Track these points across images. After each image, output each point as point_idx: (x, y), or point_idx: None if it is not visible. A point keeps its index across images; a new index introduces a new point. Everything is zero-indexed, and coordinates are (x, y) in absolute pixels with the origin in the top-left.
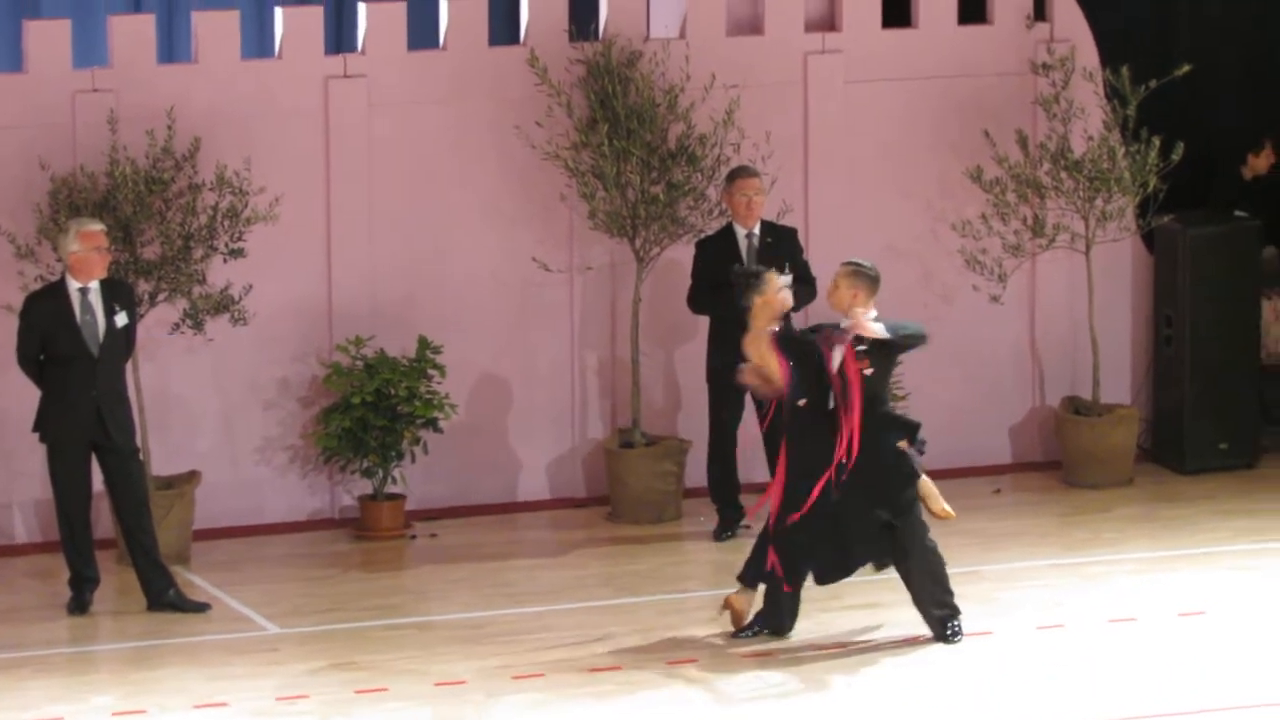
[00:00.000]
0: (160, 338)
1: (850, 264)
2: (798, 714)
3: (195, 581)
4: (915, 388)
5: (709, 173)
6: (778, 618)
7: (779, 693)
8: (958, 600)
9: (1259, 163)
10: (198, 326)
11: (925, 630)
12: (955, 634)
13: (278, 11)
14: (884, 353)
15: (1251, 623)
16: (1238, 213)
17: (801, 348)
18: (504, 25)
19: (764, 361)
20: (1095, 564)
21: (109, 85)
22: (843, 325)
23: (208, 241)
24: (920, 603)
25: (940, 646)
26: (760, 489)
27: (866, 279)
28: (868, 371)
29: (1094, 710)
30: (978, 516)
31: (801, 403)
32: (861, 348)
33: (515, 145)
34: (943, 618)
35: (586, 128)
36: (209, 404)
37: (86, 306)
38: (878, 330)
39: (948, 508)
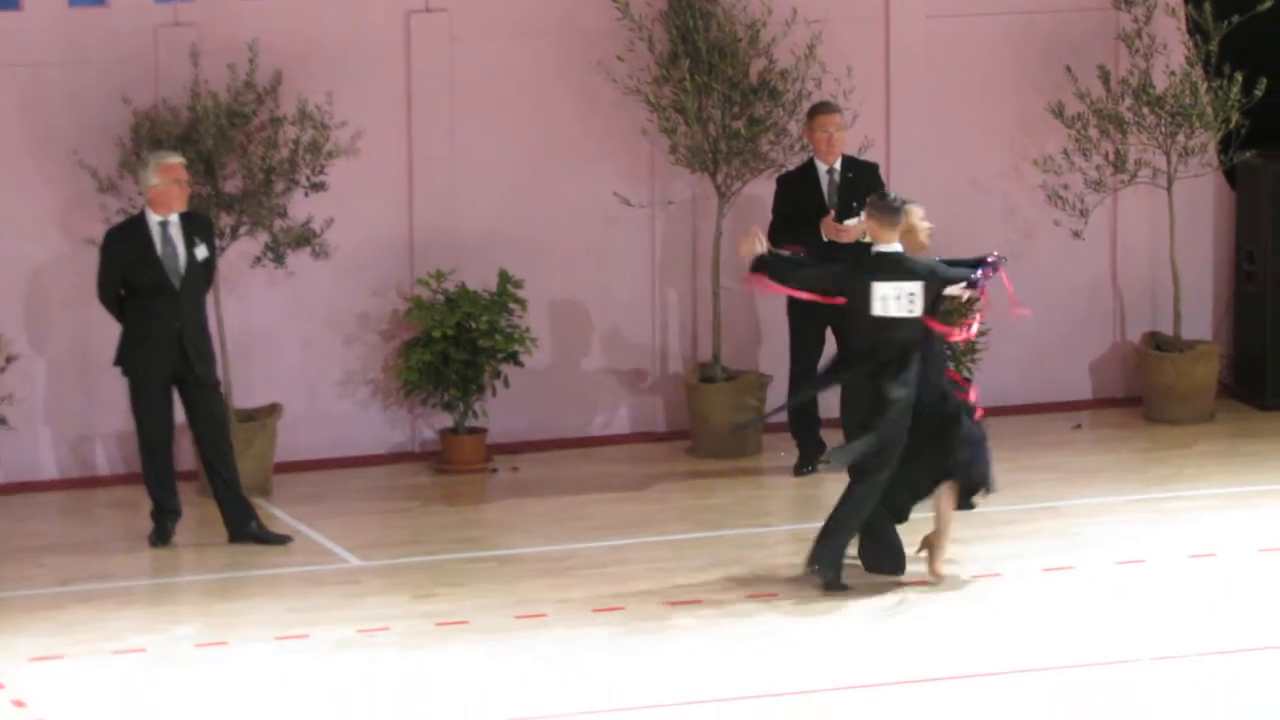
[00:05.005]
0: (242, 271)
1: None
2: (878, 643)
3: (276, 514)
4: (995, 323)
5: (790, 108)
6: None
7: (863, 624)
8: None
9: None
10: (279, 260)
11: (1001, 567)
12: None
13: None
14: None
15: None
16: None
17: None
18: None
19: None
20: (1176, 500)
21: (191, 19)
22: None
23: (289, 175)
24: None
25: (1023, 582)
26: (839, 423)
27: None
28: None
29: (1175, 644)
30: (1058, 452)
31: None
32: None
33: (596, 80)
34: None
35: (668, 62)
36: (290, 337)
37: (167, 239)
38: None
39: None
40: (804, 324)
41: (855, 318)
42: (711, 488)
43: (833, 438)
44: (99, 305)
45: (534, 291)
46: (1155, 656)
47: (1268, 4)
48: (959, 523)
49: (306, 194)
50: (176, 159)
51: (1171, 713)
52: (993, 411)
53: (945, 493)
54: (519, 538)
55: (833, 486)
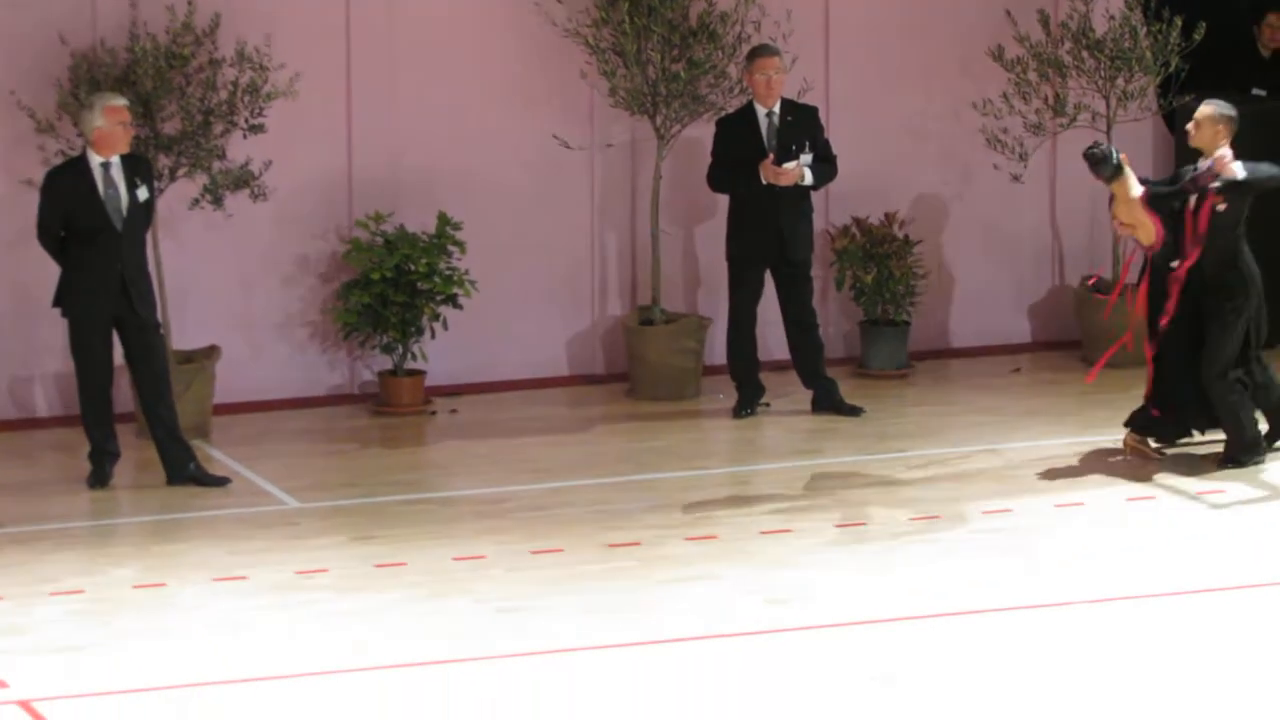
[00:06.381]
0: (180, 213)
1: (1211, 104)
2: (817, 585)
3: (215, 456)
4: (936, 266)
5: (730, 51)
6: None
7: (800, 567)
8: (969, 476)
9: (1269, 36)
10: (217, 202)
11: (941, 509)
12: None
13: None
14: (1238, 192)
15: (1270, 503)
16: (1255, 91)
17: (1168, 203)
18: None
19: (1139, 224)
20: (1115, 443)
21: None
22: (1203, 165)
23: (228, 117)
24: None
25: (961, 525)
26: (780, 366)
27: (1227, 119)
28: (1220, 207)
29: (1113, 588)
30: (998, 395)
31: (1175, 265)
32: (1217, 184)
33: (536, 22)
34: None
35: (607, 5)
36: (229, 279)
37: (109, 181)
38: (1236, 170)
39: None
40: (744, 268)
41: (1228, 234)
42: (651, 430)
43: (770, 380)
44: (38, 246)
45: (473, 234)
46: (1092, 599)
47: None
48: (899, 465)
49: (245, 136)
50: (121, 101)
51: (1105, 656)
52: (932, 354)
53: None
54: (458, 480)
55: (771, 429)
